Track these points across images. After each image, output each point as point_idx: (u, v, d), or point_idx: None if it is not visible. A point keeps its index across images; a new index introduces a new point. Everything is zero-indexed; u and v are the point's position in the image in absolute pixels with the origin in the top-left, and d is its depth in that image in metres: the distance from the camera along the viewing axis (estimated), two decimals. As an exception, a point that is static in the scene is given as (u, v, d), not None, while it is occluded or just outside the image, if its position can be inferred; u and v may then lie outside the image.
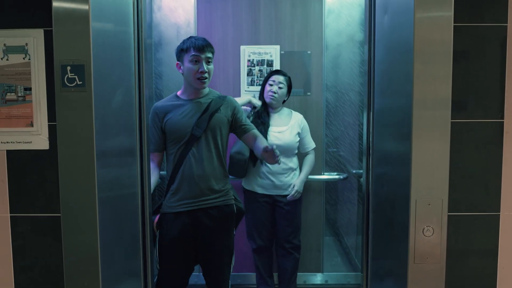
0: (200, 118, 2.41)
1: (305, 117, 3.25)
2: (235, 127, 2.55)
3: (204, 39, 2.44)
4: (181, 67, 2.45)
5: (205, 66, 2.40)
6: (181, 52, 2.44)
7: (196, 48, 2.39)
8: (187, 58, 2.40)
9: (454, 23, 1.58)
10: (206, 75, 2.41)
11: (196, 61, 2.39)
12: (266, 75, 3.26)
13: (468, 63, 1.71)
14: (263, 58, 3.46)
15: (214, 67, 2.51)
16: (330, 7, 3.46)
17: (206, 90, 2.52)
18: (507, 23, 1.68)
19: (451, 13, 1.54)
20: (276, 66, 3.44)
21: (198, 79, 2.40)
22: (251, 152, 3.01)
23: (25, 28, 1.68)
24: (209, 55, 2.43)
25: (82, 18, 1.56)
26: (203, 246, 2.47)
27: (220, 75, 3.49)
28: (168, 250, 2.44)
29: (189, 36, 2.51)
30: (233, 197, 2.55)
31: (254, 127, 2.60)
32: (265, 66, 3.45)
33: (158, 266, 2.48)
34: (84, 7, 1.55)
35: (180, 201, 2.43)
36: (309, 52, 3.45)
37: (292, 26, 3.46)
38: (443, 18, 1.54)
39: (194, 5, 3.43)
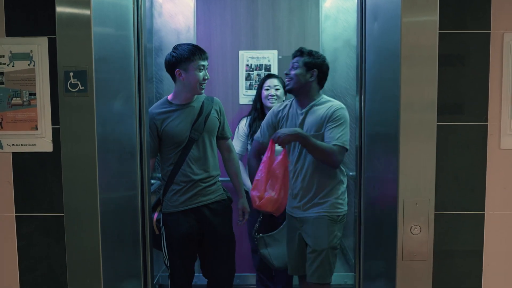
0: (197, 122, 2.53)
1: (302, 121, 3.28)
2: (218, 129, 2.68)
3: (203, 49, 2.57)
4: (182, 75, 2.51)
5: (207, 74, 2.54)
6: (185, 60, 2.49)
7: (202, 58, 2.51)
8: (192, 66, 2.48)
9: (440, 30, 1.64)
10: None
11: (201, 69, 2.50)
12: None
13: (453, 69, 1.76)
14: (261, 63, 3.52)
15: (213, 71, 2.60)
16: (327, 12, 3.52)
17: None
18: (490, 30, 1.74)
19: (436, 18, 1.59)
20: (274, 70, 3.50)
21: (201, 85, 2.52)
22: None
23: (30, 36, 1.75)
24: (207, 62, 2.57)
25: (84, 23, 1.61)
26: (210, 240, 2.61)
27: (219, 80, 3.55)
28: (178, 246, 2.56)
29: (189, 41, 2.56)
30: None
31: (230, 136, 2.76)
32: (263, 70, 3.52)
33: (167, 262, 2.59)
34: (86, 12, 1.61)
35: (184, 200, 2.54)
36: (306, 56, 3.50)
37: (289, 32, 3.52)
38: (428, 23, 1.59)
39: (194, 11, 3.49)
